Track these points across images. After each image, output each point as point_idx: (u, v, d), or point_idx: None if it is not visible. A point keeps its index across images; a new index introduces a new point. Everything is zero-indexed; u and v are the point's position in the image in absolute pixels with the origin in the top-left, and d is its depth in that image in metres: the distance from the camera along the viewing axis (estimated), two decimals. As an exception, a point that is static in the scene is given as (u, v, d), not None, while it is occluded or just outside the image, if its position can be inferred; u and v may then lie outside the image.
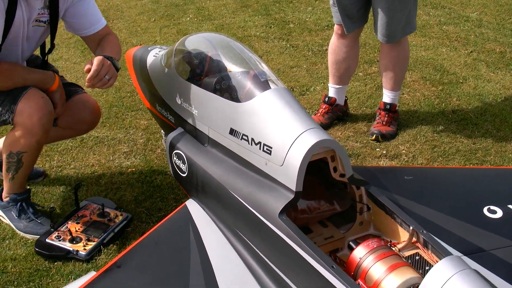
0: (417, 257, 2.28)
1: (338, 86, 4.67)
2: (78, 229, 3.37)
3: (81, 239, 3.29)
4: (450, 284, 1.87)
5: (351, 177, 2.50)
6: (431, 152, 4.30)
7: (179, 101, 3.07)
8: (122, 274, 2.51)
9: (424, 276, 2.15)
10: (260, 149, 2.51)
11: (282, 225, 2.32)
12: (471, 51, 6.07)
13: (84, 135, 4.45)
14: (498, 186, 3.12)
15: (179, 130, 3.12)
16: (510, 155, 4.28)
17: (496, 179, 3.24)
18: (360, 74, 5.54)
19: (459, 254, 2.54)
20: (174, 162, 3.08)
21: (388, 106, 4.57)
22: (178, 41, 3.22)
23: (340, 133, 4.57)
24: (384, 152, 4.31)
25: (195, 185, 2.92)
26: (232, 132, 2.67)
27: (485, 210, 2.85)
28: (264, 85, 2.66)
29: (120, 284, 2.48)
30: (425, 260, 2.27)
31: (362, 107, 4.97)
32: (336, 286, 2.09)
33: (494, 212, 2.84)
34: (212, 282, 2.41)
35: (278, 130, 2.46)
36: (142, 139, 4.48)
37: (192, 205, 2.89)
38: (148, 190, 3.85)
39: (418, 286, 2.07)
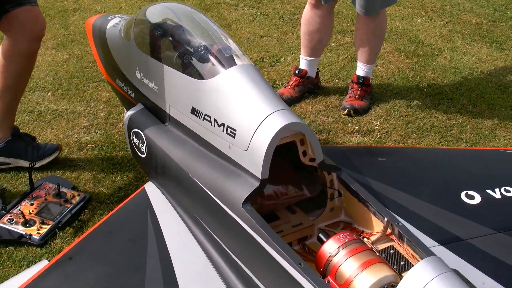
0: (391, 251, 2.11)
1: (310, 58, 4.47)
2: (32, 211, 3.16)
3: (35, 222, 3.08)
4: (429, 288, 1.71)
5: (322, 163, 2.32)
6: (405, 128, 4.14)
7: (138, 76, 2.86)
8: (73, 266, 2.31)
9: (399, 271, 2.01)
10: (223, 131, 2.31)
11: (246, 215, 2.13)
12: (447, 22, 5.89)
13: (43, 108, 4.22)
14: (476, 169, 2.98)
15: (139, 106, 2.91)
16: (486, 132, 4.14)
17: (473, 161, 3.10)
18: (333, 44, 5.33)
19: (435, 243, 2.40)
20: (133, 141, 2.87)
21: (362, 79, 4.38)
22: (139, 11, 3.00)
23: (310, 107, 4.38)
24: (357, 127, 4.14)
25: (155, 167, 2.72)
26: (194, 111, 2.47)
27: (462, 195, 2.70)
28: (229, 61, 2.45)
29: (71, 278, 2.28)
30: (400, 254, 2.10)
31: (334, 79, 4.78)
32: (303, 285, 1.92)
33: (472, 197, 2.69)
34: (170, 275, 2.23)
35: (243, 111, 2.27)
36: (103, 112, 4.25)
37: (151, 189, 2.69)
38: (108, 168, 3.64)
39: (393, 285, 1.91)
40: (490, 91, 4.66)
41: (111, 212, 2.59)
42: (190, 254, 2.34)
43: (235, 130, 2.26)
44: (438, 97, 4.54)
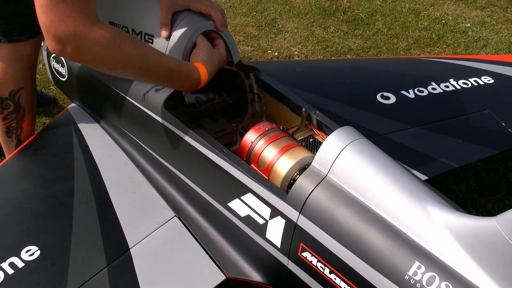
0: (311, 140, 2.19)
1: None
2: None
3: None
4: (344, 155, 1.79)
5: (239, 64, 2.37)
6: (323, 52, 4.23)
7: None
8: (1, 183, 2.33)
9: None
10: (141, 39, 2.33)
11: (167, 114, 2.17)
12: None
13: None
14: (391, 74, 3.09)
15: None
16: (402, 52, 4.27)
17: (389, 66, 3.21)
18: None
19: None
20: (53, 66, 2.86)
21: (279, 9, 4.46)
22: None
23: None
24: (276, 54, 4.20)
25: (76, 88, 2.72)
26: (112, 24, 2.47)
27: (378, 96, 2.80)
28: None
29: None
30: (319, 142, 2.18)
31: (252, 12, 4.82)
32: (228, 171, 1.99)
33: (388, 98, 2.80)
34: (98, 182, 2.27)
35: (158, 18, 2.28)
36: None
37: (74, 109, 2.70)
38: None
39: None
40: (404, 15, 4.79)
41: (35, 135, 2.59)
42: (117, 162, 2.37)
43: (152, 36, 2.27)
44: (354, 23, 4.65)
